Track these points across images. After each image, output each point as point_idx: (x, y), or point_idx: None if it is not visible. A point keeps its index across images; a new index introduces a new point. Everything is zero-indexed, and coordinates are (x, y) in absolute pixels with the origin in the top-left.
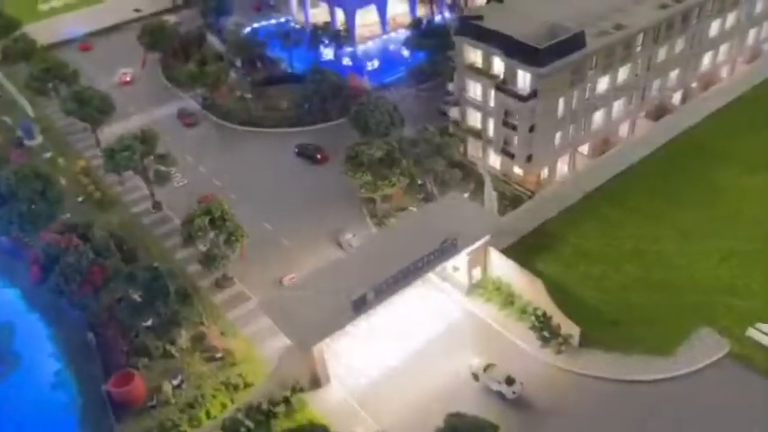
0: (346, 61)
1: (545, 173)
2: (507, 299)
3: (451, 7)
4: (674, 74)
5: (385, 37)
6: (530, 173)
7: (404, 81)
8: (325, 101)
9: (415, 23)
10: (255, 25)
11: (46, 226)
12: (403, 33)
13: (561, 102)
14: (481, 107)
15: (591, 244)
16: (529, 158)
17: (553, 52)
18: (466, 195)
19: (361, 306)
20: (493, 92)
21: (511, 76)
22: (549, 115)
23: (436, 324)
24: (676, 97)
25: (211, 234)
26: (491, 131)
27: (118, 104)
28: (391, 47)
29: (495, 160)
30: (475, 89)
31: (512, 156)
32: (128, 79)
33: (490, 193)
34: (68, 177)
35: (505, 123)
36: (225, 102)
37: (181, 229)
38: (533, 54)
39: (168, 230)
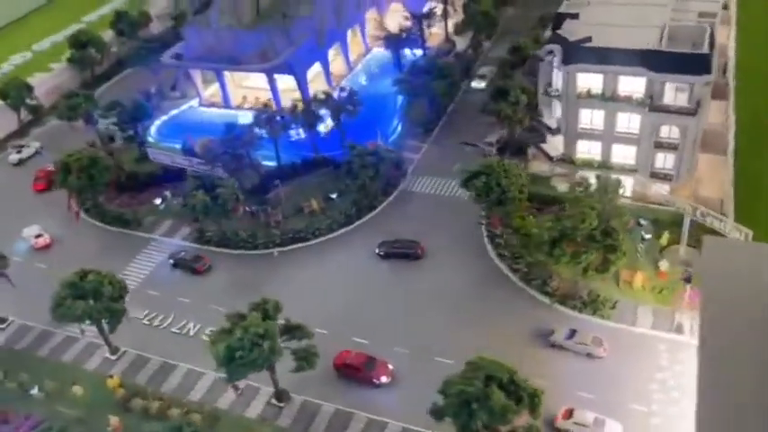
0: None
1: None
2: None
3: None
4: None
5: (350, 76)
6: (682, 190)
7: (411, 133)
8: (364, 186)
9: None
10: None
11: None
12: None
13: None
14: (603, 136)
15: None
16: (684, 175)
17: (711, 56)
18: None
19: None
20: (639, 117)
21: (658, 91)
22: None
23: None
24: None
25: None
26: (617, 158)
27: None
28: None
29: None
30: (592, 118)
31: (664, 177)
32: (46, 242)
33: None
34: None
35: (658, 145)
36: (240, 224)
37: None
38: (697, 62)
39: None
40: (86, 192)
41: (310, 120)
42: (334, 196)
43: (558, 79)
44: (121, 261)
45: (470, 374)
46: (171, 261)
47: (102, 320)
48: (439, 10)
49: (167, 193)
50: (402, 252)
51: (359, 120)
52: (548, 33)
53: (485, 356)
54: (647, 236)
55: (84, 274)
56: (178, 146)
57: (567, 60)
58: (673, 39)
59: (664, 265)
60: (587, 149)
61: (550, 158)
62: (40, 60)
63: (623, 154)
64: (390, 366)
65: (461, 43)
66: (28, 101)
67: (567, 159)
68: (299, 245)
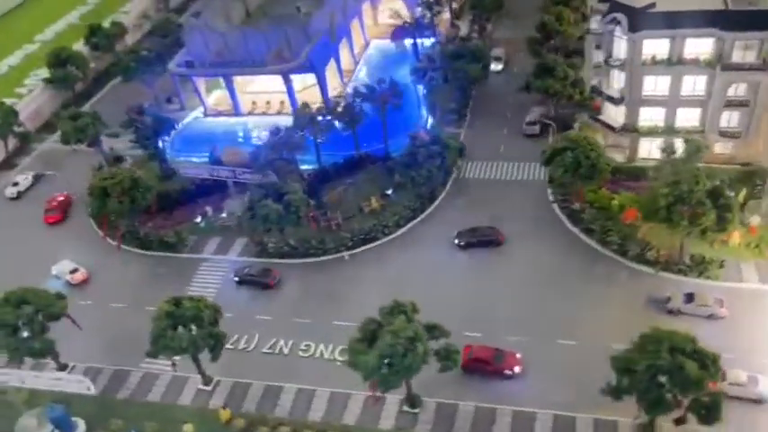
0: None
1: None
2: None
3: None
4: None
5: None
6: (749, 148)
7: (444, 120)
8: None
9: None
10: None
11: None
12: None
13: None
14: (667, 101)
15: None
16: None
17: None
18: None
19: None
20: (706, 78)
21: (728, 51)
22: None
23: None
24: None
25: None
26: (681, 121)
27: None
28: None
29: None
30: (656, 83)
31: (732, 135)
32: (84, 277)
33: None
34: None
35: (728, 103)
36: (297, 232)
37: None
38: (765, 18)
39: None
40: (127, 216)
41: (353, 116)
42: (389, 192)
43: (619, 48)
44: (177, 287)
45: (651, 348)
46: (236, 279)
47: (204, 348)
48: None
49: (208, 209)
50: (483, 240)
51: (388, 113)
52: (598, 4)
53: (612, 332)
54: (731, 194)
55: (176, 301)
56: (196, 159)
57: (633, 28)
58: None
59: (755, 220)
60: (649, 116)
61: (612, 129)
62: (13, 77)
63: (687, 117)
64: (518, 355)
65: (463, 28)
66: (15, 128)
67: (630, 128)
68: (370, 245)
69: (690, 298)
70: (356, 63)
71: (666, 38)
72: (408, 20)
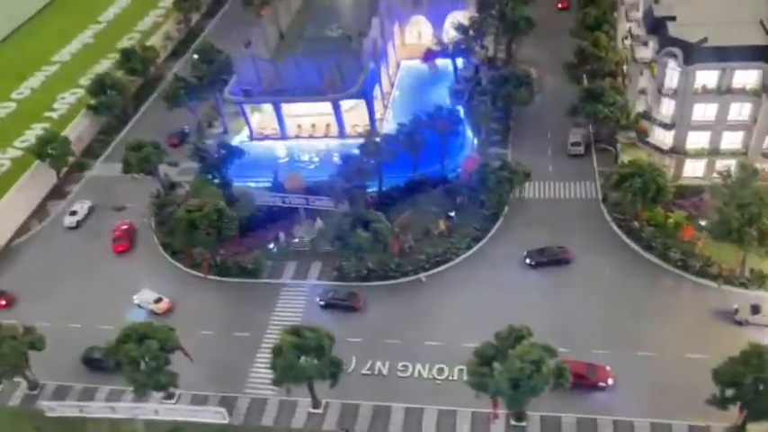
0: None
1: None
2: None
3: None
4: None
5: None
6: None
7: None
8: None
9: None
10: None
11: None
12: None
13: None
14: (714, 125)
15: None
16: None
17: None
18: None
19: None
20: (750, 105)
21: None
22: None
23: None
24: None
25: None
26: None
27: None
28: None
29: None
30: (705, 110)
31: None
32: (168, 306)
33: None
34: None
35: None
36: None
37: None
38: None
39: None
40: (213, 247)
41: (415, 143)
42: (452, 214)
43: (672, 78)
44: (262, 313)
45: (756, 362)
46: (321, 303)
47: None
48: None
49: (281, 235)
50: (553, 259)
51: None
52: (644, 36)
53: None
54: None
55: (296, 331)
56: (252, 183)
57: (687, 61)
58: None
59: None
60: (696, 140)
61: (661, 151)
62: (39, 100)
63: (731, 140)
64: (608, 368)
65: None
66: (69, 157)
67: (678, 150)
68: (444, 266)
69: (756, 309)
70: (392, 85)
71: (717, 69)
72: (447, 43)
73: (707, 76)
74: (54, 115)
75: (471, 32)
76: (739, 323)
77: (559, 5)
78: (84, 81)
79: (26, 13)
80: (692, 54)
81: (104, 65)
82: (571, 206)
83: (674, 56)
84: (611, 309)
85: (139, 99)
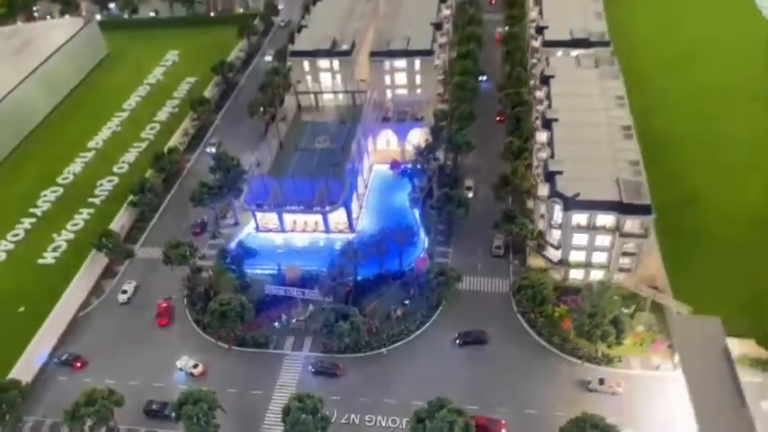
0: None
1: None
2: None
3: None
4: None
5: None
6: (635, 278)
7: (435, 242)
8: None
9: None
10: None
11: None
12: None
13: None
14: (586, 248)
15: None
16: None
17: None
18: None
19: None
20: (610, 237)
21: (623, 223)
22: None
23: None
24: None
25: None
26: (600, 260)
27: None
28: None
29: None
30: (580, 239)
31: (627, 270)
32: (201, 370)
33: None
34: None
35: (624, 253)
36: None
37: None
38: (643, 208)
39: None
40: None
41: (382, 249)
42: (407, 302)
43: (558, 216)
44: (271, 375)
45: (581, 424)
46: (312, 370)
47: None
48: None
49: (283, 316)
50: (475, 340)
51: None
52: (542, 185)
53: (558, 403)
54: (626, 310)
55: (298, 397)
56: (258, 270)
57: (566, 208)
58: (625, 189)
59: (639, 328)
60: (576, 256)
61: (552, 262)
62: (82, 186)
63: (599, 258)
64: (503, 421)
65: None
66: (119, 246)
67: (564, 263)
68: (400, 343)
69: (601, 381)
70: (366, 187)
71: (586, 214)
72: (408, 162)
73: (580, 218)
74: (96, 201)
75: (425, 151)
76: (591, 390)
77: (498, 118)
78: (117, 169)
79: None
80: (569, 204)
81: (132, 153)
82: (491, 298)
83: (558, 203)
84: (510, 377)
85: (165, 188)
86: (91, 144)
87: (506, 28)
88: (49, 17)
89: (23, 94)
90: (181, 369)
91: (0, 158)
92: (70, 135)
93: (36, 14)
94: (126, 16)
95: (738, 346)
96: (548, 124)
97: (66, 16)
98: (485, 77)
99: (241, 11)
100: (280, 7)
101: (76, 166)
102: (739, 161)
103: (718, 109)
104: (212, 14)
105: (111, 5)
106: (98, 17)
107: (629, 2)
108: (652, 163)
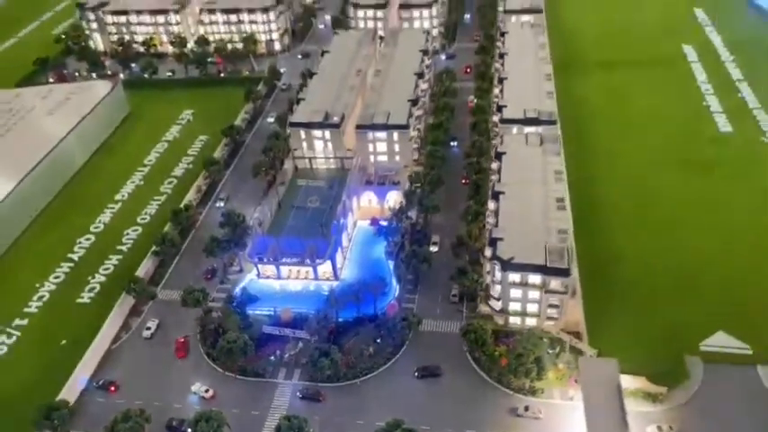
0: None
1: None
2: None
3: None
4: None
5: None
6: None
7: (405, 289)
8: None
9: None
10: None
11: None
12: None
13: None
14: (521, 300)
15: None
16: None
17: (570, 267)
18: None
19: None
20: (538, 293)
21: (548, 282)
22: None
23: None
24: None
25: None
26: (532, 310)
27: None
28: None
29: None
30: (516, 293)
31: (554, 318)
32: (212, 394)
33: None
34: None
35: (551, 305)
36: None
37: None
38: (563, 271)
39: None
40: (239, 360)
41: (359, 300)
42: (378, 341)
43: (497, 275)
44: (267, 400)
45: None
46: (299, 396)
47: None
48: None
49: (278, 352)
50: (431, 373)
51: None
52: (487, 249)
53: (493, 426)
54: (551, 351)
55: (288, 417)
56: (258, 311)
57: (504, 269)
58: (550, 254)
59: (560, 366)
60: (514, 306)
61: (495, 311)
62: (110, 235)
63: (531, 308)
64: None
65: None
66: (144, 290)
67: (505, 311)
68: (371, 375)
69: (527, 408)
70: (350, 240)
71: (519, 274)
72: (384, 221)
73: (515, 277)
74: (124, 248)
75: (399, 212)
76: (518, 416)
77: (463, 181)
78: (140, 219)
79: (89, 152)
80: (506, 266)
81: (153, 206)
82: (447, 338)
83: (497, 265)
84: (457, 404)
85: (182, 238)
86: (117, 197)
87: (475, 100)
88: (77, 74)
89: (64, 148)
90: (195, 393)
91: (45, 204)
92: (99, 188)
93: (65, 72)
94: (146, 75)
95: (633, 382)
96: (496, 196)
97: (94, 75)
98: (455, 143)
99: (247, 73)
100: (282, 70)
101: (106, 217)
102: (665, 221)
103: (651, 174)
104: (222, 75)
105: (134, 65)
106: (121, 75)
107: (585, 79)
108: (586, 225)
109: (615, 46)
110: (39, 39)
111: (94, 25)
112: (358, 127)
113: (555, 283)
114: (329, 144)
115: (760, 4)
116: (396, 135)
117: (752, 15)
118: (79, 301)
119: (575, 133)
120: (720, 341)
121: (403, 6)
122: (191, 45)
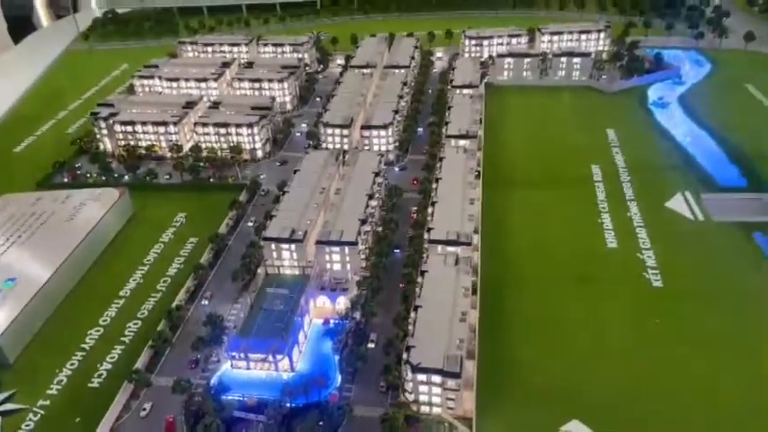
0: None
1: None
2: None
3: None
4: None
5: (306, 342)
6: (457, 412)
7: (347, 378)
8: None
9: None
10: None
11: None
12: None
13: None
14: (427, 394)
15: None
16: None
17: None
18: None
19: None
20: (439, 389)
21: (444, 381)
22: None
23: None
24: None
25: None
26: (436, 401)
27: None
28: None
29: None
30: (423, 389)
31: (452, 408)
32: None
33: None
34: None
35: (449, 389)
36: None
37: None
38: (457, 374)
39: None
40: None
41: (308, 392)
42: (321, 423)
43: (409, 374)
44: None
45: None
46: None
47: None
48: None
49: (243, 430)
50: None
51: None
52: (404, 354)
53: None
54: None
55: None
56: (230, 397)
57: (413, 371)
58: (447, 361)
59: None
60: (422, 398)
61: (410, 400)
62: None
63: (435, 399)
64: None
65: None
66: (143, 379)
67: (416, 401)
68: None
69: None
70: (305, 337)
71: (425, 375)
72: (339, 315)
73: (422, 377)
74: (126, 340)
75: (345, 314)
76: None
77: (401, 286)
78: (140, 314)
79: (98, 252)
80: (414, 368)
81: (151, 303)
82: (375, 422)
83: (408, 366)
84: None
85: (173, 333)
86: (121, 293)
87: (415, 215)
88: (88, 175)
89: (81, 249)
90: None
91: (61, 299)
92: (106, 285)
93: (79, 173)
94: (147, 178)
95: None
96: (416, 309)
97: (103, 178)
98: (398, 251)
99: (231, 180)
100: (262, 177)
101: (112, 311)
102: (557, 330)
103: (551, 287)
104: (212, 180)
105: (138, 170)
106: (126, 178)
107: (509, 196)
108: (491, 331)
109: (538, 166)
110: (55, 138)
111: (105, 131)
112: (317, 242)
113: (450, 383)
114: (294, 255)
115: (657, 104)
116: (347, 250)
117: (655, 134)
118: (90, 385)
119: (491, 250)
120: None
121: (364, 127)
122: (186, 151)
